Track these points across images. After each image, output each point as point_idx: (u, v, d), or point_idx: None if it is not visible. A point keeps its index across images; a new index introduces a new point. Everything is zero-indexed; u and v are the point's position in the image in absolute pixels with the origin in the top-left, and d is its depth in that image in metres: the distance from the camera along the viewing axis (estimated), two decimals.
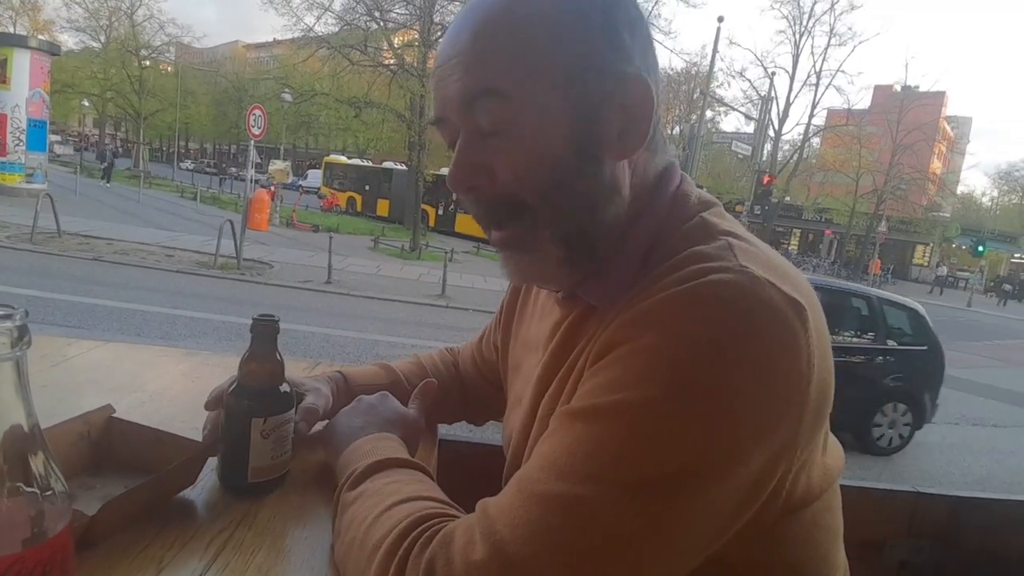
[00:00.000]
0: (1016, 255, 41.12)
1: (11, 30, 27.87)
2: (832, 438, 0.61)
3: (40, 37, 18.65)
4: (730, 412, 0.47)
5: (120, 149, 55.37)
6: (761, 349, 0.48)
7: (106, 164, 24.64)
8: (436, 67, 0.59)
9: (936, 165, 39.28)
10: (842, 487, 0.64)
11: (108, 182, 22.90)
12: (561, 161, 0.56)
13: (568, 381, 0.61)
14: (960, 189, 44.30)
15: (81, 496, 0.64)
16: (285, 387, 0.72)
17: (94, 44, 35.23)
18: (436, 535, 0.51)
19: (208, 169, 44.02)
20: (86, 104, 37.29)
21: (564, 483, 0.48)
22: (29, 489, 0.36)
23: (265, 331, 0.71)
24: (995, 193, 47.33)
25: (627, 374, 0.49)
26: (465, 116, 0.57)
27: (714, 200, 0.64)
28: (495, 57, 0.55)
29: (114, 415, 0.73)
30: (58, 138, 37.86)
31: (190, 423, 0.82)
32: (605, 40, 0.57)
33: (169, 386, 1.01)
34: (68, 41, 34.50)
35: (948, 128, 43.77)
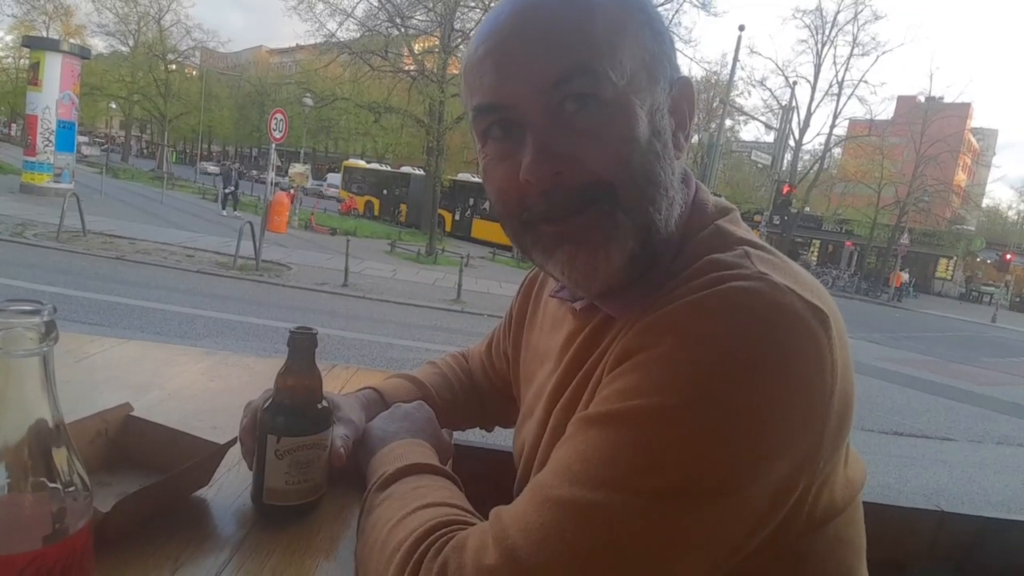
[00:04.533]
0: None
1: (44, 34, 28.63)
2: (853, 450, 0.59)
3: (71, 41, 19.04)
4: (750, 422, 0.46)
5: (145, 150, 56.48)
6: (782, 357, 0.47)
7: (231, 189, 18.21)
8: (495, 49, 0.55)
9: (961, 177, 38.50)
10: (864, 504, 0.63)
11: (232, 209, 17.57)
12: (650, 145, 0.56)
13: (584, 391, 0.61)
14: (985, 202, 43.35)
15: (97, 493, 0.63)
16: (320, 406, 0.67)
17: (123, 48, 36.09)
18: (451, 540, 0.51)
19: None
20: (113, 107, 38.17)
21: (578, 488, 0.47)
22: (52, 484, 0.36)
23: (297, 344, 0.66)
24: (1022, 207, 46.36)
25: (644, 381, 0.49)
26: (548, 99, 0.54)
27: (730, 207, 0.64)
28: (590, 36, 0.53)
29: (132, 414, 0.74)
30: (86, 139, 38.74)
31: (208, 422, 0.83)
32: (670, 40, 0.60)
33: (187, 385, 1.02)
34: (98, 45, 35.40)
35: (973, 140, 42.93)
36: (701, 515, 0.46)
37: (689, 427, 0.46)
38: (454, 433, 0.94)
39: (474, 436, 1.10)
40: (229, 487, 0.71)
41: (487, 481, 0.77)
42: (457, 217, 22.20)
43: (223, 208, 18.17)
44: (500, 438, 1.13)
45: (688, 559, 0.46)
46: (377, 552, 0.55)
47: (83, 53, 15.66)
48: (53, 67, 13.86)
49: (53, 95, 13.97)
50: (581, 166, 0.54)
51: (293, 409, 0.66)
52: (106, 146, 43.68)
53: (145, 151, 57.27)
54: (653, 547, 0.45)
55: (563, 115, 0.54)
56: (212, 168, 41.22)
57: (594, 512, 0.46)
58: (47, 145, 14.09)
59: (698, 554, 0.47)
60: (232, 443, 0.70)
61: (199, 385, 1.03)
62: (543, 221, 0.57)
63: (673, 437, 0.46)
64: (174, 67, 37.42)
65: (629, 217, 0.55)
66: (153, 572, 0.55)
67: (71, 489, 0.37)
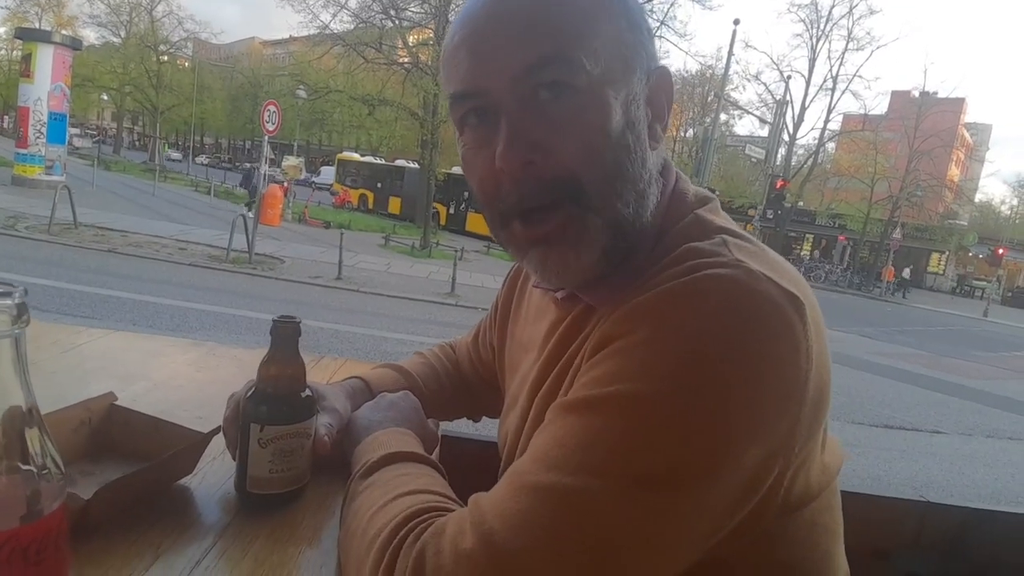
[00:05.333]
0: None
1: (37, 26, 28.31)
2: (831, 435, 0.60)
3: (63, 32, 18.81)
4: (725, 407, 0.46)
5: (137, 143, 56.00)
6: (757, 343, 0.47)
7: (253, 186, 16.52)
8: (471, 37, 0.55)
9: (954, 172, 38.70)
10: (849, 494, 0.63)
11: (251, 210, 15.43)
12: (621, 138, 0.55)
13: (564, 379, 0.61)
14: (978, 197, 43.57)
15: (80, 482, 0.64)
16: (303, 395, 0.67)
17: (114, 39, 35.75)
18: (430, 526, 0.51)
19: (223, 164, 44.47)
20: (105, 98, 37.88)
21: (555, 474, 0.47)
22: (26, 467, 0.36)
23: (280, 332, 0.66)
24: (1015, 202, 46.62)
25: (622, 368, 0.49)
26: (522, 86, 0.53)
27: (710, 195, 0.64)
28: (565, 24, 0.53)
29: (116, 403, 0.73)
30: (77, 131, 38.42)
31: (194, 412, 0.83)
32: (648, 29, 0.59)
33: (175, 375, 1.02)
34: (90, 36, 35.09)
35: (967, 135, 43.11)
36: (677, 500, 0.46)
37: (666, 413, 0.46)
38: (441, 423, 0.94)
39: (463, 427, 1.10)
40: (213, 476, 0.71)
41: (473, 470, 0.77)
42: (452, 211, 22.13)
43: (246, 209, 17.08)
44: (489, 429, 1.13)
45: (663, 543, 0.47)
46: (358, 539, 0.55)
47: (75, 44, 15.48)
48: (45, 59, 13.73)
49: (45, 87, 13.83)
50: (552, 157, 0.54)
51: (276, 398, 0.65)
52: (98, 138, 43.39)
53: (137, 143, 56.80)
54: (629, 532, 0.46)
55: (537, 103, 0.54)
56: (175, 155, 40.69)
57: (571, 497, 0.46)
58: (38, 137, 13.96)
59: (674, 539, 0.47)
60: (216, 432, 0.70)
61: (185, 375, 1.02)
62: (515, 219, 0.57)
63: (650, 423, 0.46)
64: (166, 58, 37.07)
65: (599, 216, 0.55)
66: (135, 559, 0.55)
67: (44, 472, 0.37)
